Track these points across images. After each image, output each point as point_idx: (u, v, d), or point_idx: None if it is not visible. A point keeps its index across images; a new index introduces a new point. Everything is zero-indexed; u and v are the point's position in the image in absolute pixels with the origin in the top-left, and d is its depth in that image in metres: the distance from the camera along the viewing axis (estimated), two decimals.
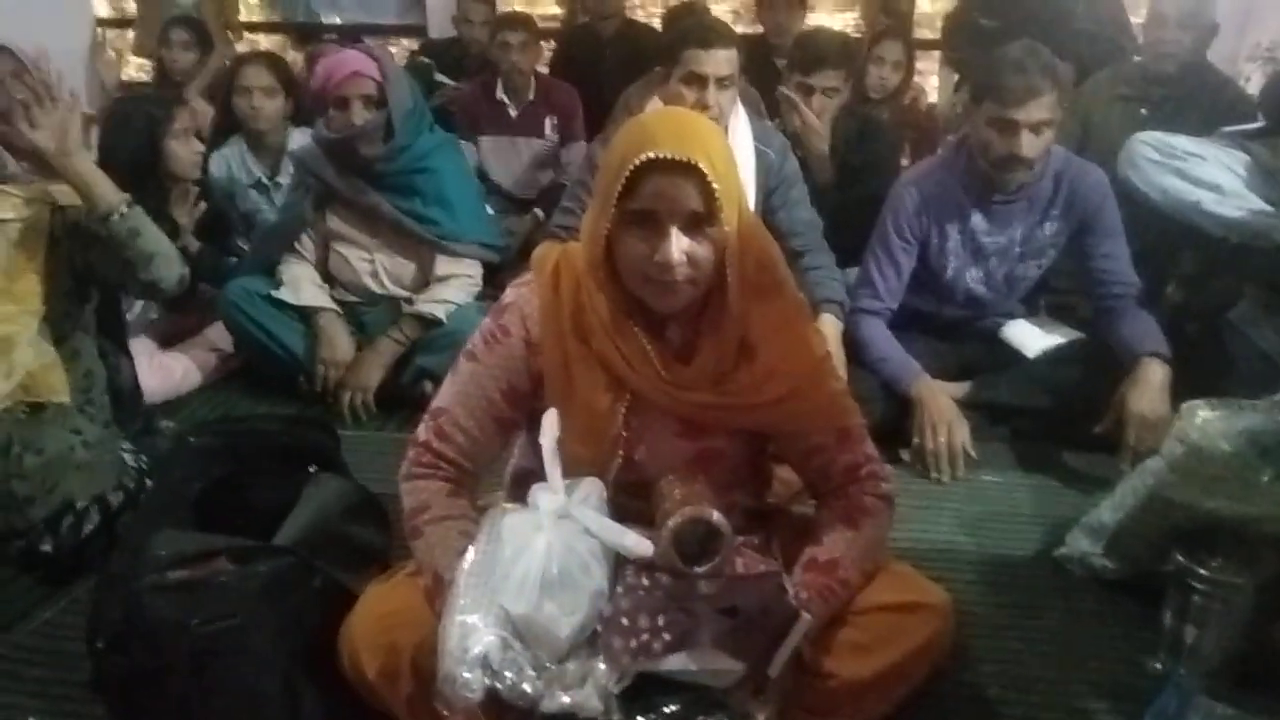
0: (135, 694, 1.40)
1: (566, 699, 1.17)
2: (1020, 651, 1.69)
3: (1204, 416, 1.60)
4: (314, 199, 2.70)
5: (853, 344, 2.40)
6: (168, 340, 2.80)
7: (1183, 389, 2.12)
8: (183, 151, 2.58)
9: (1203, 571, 1.55)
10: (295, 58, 4.68)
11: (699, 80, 2.40)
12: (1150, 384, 2.15)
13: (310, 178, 2.68)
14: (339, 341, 2.65)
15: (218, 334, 2.81)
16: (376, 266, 2.74)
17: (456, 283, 2.71)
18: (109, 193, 1.98)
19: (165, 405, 2.55)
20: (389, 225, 2.67)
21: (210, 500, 1.67)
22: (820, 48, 2.79)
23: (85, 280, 2.07)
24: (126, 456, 2.00)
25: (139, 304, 2.71)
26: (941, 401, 2.28)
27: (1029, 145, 2.20)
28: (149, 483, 1.94)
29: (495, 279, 2.78)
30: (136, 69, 5.13)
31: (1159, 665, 1.58)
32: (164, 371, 2.64)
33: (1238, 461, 1.52)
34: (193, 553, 1.41)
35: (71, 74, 2.30)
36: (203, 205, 2.80)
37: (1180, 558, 1.58)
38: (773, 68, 3.50)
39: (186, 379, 2.72)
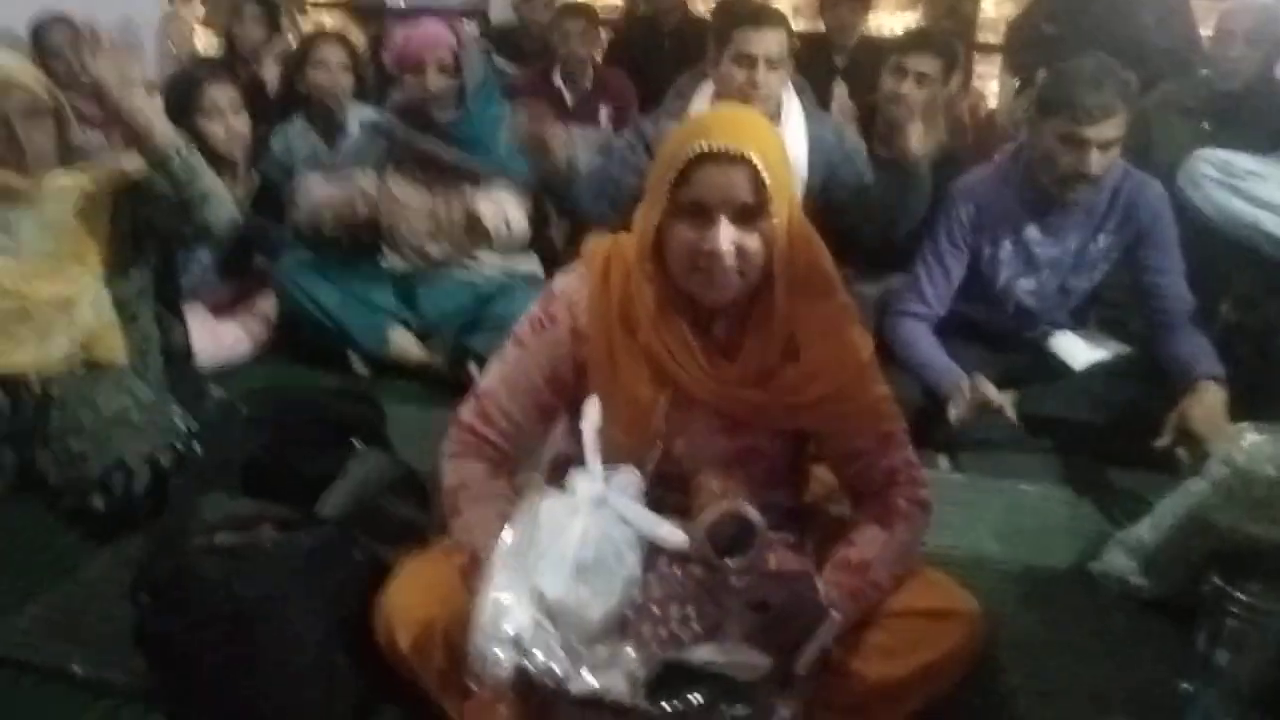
0: (175, 649, 1.44)
1: (594, 681, 1.19)
2: (1048, 664, 1.68)
3: (1251, 439, 1.59)
4: (375, 163, 2.77)
5: (894, 344, 2.38)
6: (220, 309, 2.86)
7: (1233, 410, 2.09)
8: (213, 128, 2.63)
9: (1240, 595, 1.53)
10: (358, 37, 4.74)
11: (749, 60, 2.41)
12: (1211, 406, 2.12)
13: (379, 140, 2.77)
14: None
15: (269, 305, 2.86)
16: (439, 232, 2.79)
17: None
18: (168, 133, 2.01)
19: (215, 372, 2.60)
20: (450, 180, 2.74)
21: (257, 467, 1.71)
22: (926, 32, 2.77)
23: (143, 238, 2.12)
24: (177, 420, 2.05)
25: (196, 270, 2.77)
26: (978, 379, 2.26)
27: (1097, 163, 2.17)
28: (198, 446, 1.99)
29: (546, 268, 2.82)
30: (204, 43, 5.22)
31: (1188, 687, 1.57)
32: (215, 339, 2.70)
33: None
34: (240, 518, 1.45)
35: (141, 45, 2.35)
36: (256, 179, 2.86)
37: (1217, 580, 1.57)
38: (832, 65, 3.49)
39: (237, 347, 2.78)
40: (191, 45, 4.64)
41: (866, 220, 2.58)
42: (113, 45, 1.96)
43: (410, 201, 2.77)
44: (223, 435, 1.85)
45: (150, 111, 2.00)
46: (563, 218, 3.07)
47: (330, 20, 5.42)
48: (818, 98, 3.02)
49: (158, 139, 1.98)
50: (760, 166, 1.26)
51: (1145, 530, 1.82)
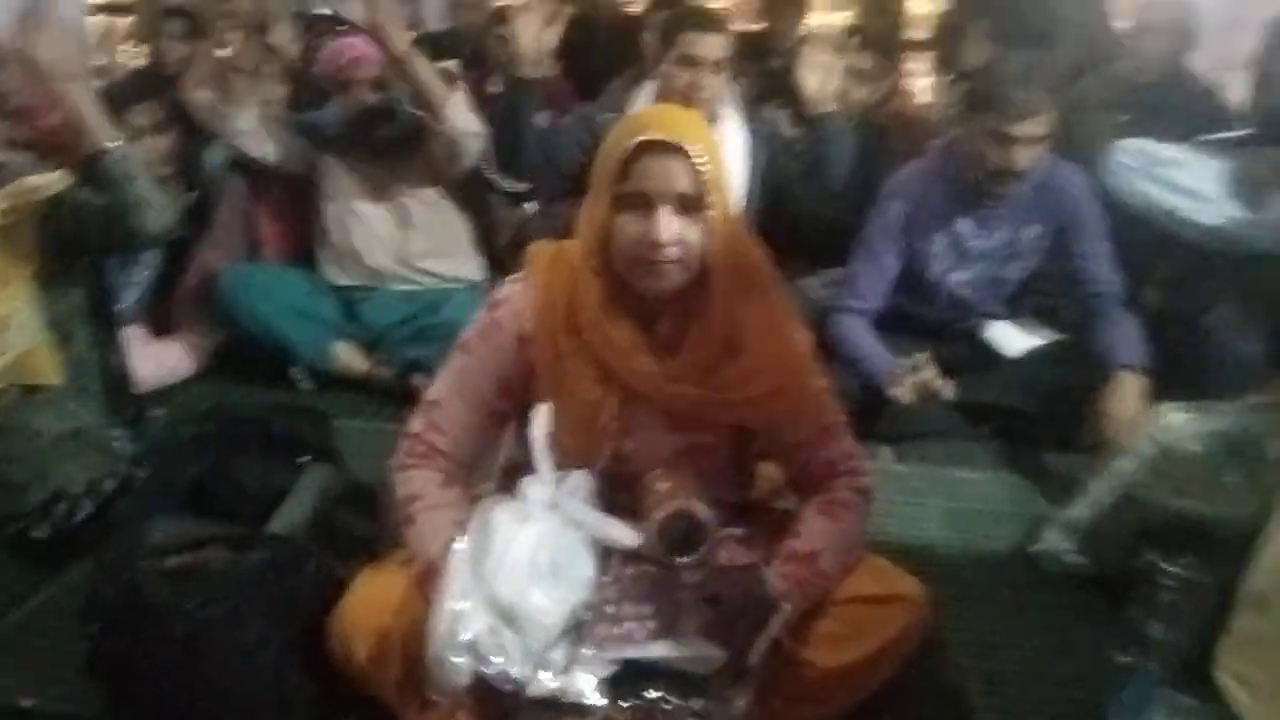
0: (130, 676, 1.44)
1: (553, 684, 1.21)
2: (993, 644, 1.73)
3: (1176, 418, 1.65)
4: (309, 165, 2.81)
5: (833, 340, 2.42)
6: (159, 328, 2.82)
7: (1160, 391, 2.17)
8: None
9: (1171, 569, 1.59)
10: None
11: (693, 62, 2.45)
12: (1127, 396, 2.21)
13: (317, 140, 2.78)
14: None
15: (209, 321, 2.83)
16: (372, 236, 2.81)
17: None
18: (106, 126, 1.97)
19: (156, 393, 2.57)
20: (393, 173, 2.76)
21: (203, 488, 1.70)
22: (866, 28, 2.80)
23: (73, 254, 2.08)
24: (118, 444, 2.03)
25: (131, 292, 2.73)
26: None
27: (1025, 159, 2.24)
28: (141, 470, 1.96)
29: (492, 276, 2.83)
30: (132, 57, 5.10)
31: (1127, 658, 1.63)
32: (155, 359, 2.66)
33: (1208, 462, 1.58)
34: (188, 539, 1.45)
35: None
36: (191, 195, 2.83)
37: (1150, 555, 1.63)
38: (770, 64, 3.54)
39: (178, 367, 2.74)
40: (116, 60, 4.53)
41: (805, 185, 2.61)
42: (53, 28, 1.92)
43: (348, 221, 2.78)
44: (167, 456, 1.83)
45: (88, 101, 1.96)
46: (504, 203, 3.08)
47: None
48: (756, 95, 3.07)
49: (96, 132, 1.95)
50: (699, 159, 1.30)
51: (1080, 510, 1.89)
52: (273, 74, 3.08)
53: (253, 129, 2.78)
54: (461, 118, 2.65)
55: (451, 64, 2.77)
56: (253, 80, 2.80)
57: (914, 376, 2.28)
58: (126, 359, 2.26)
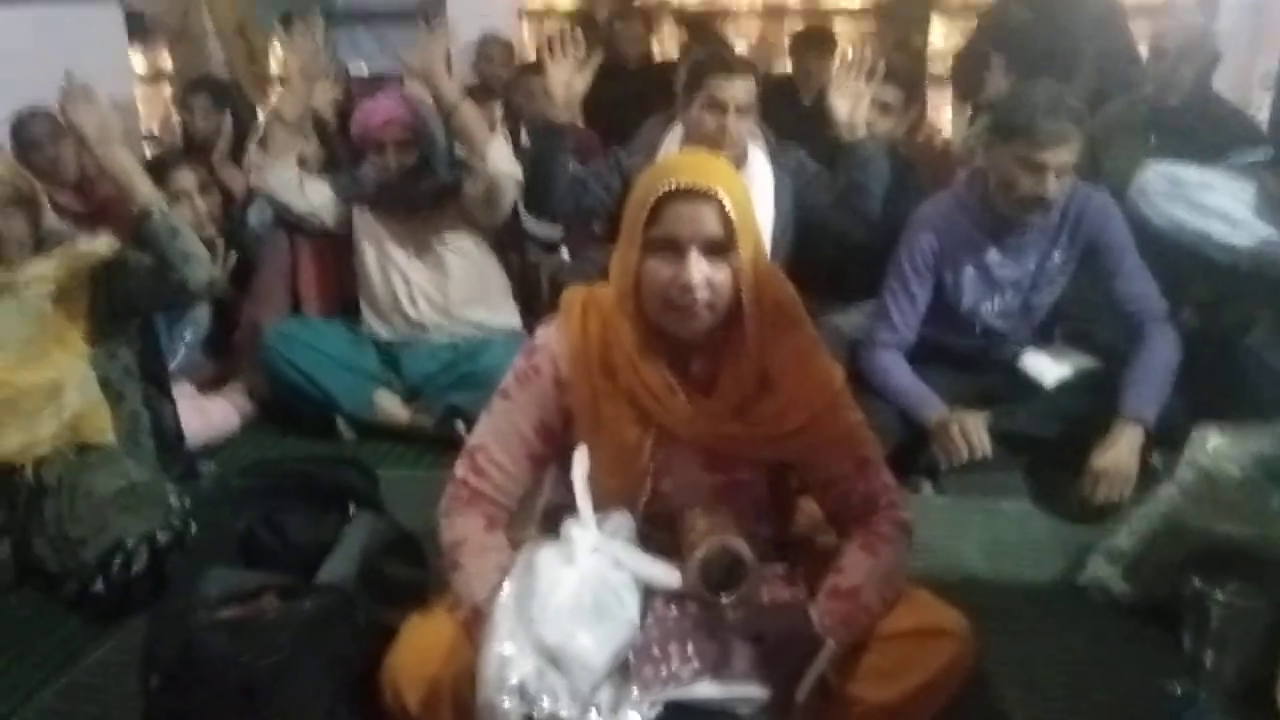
0: None
1: None
2: (1041, 676, 1.72)
3: (1215, 442, 1.64)
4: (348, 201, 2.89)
5: (870, 375, 2.43)
6: (206, 386, 2.89)
7: (1199, 413, 2.15)
8: (182, 212, 2.66)
9: (1219, 595, 1.59)
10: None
11: (720, 106, 2.50)
12: (1119, 445, 2.21)
13: (354, 187, 2.86)
14: None
15: (255, 379, 2.89)
16: (412, 289, 2.87)
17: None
18: (150, 188, 2.08)
19: (205, 448, 2.63)
20: (429, 230, 2.83)
21: (254, 539, 1.73)
22: (890, 63, 2.84)
23: (124, 314, 2.16)
24: (171, 498, 2.07)
25: (181, 350, 2.80)
26: (958, 414, 2.33)
27: (1054, 187, 2.25)
28: (193, 523, 2.01)
29: (528, 322, 2.87)
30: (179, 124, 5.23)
31: (1179, 688, 1.61)
32: (203, 415, 2.72)
33: (1249, 486, 1.57)
34: (242, 590, 1.48)
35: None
36: (233, 256, 2.90)
37: (1196, 582, 1.62)
38: (799, 108, 3.59)
39: (225, 422, 2.80)
40: (169, 127, 4.60)
41: (839, 213, 2.63)
42: (96, 100, 2.03)
43: (383, 275, 2.86)
44: (217, 510, 1.87)
45: (130, 166, 2.07)
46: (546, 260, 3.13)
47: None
48: (784, 135, 3.11)
49: (139, 194, 2.05)
50: (726, 203, 1.33)
51: (1124, 538, 1.87)
52: (311, 132, 3.16)
53: (293, 182, 2.86)
54: (503, 161, 2.73)
55: (493, 106, 2.85)
56: (294, 134, 2.88)
57: (958, 442, 2.29)
58: (177, 416, 2.32)
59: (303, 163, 2.92)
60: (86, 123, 2.03)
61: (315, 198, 2.88)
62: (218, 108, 3.69)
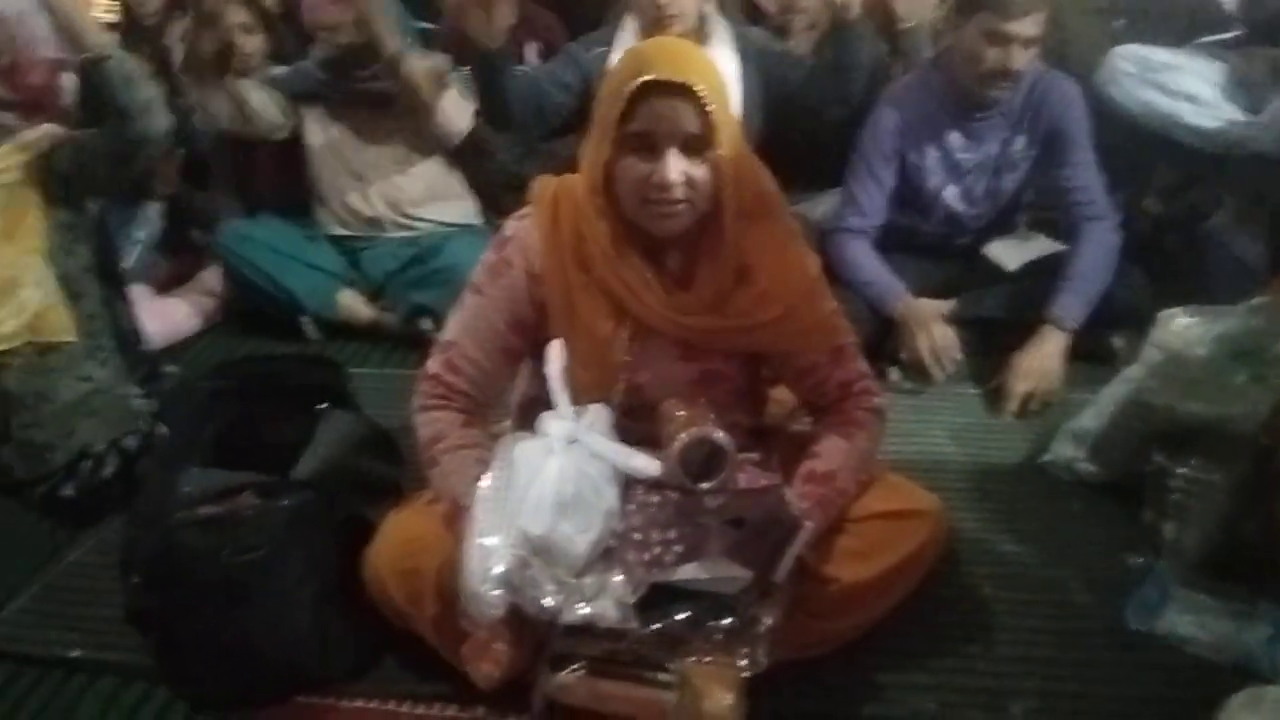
0: (170, 624, 1.47)
1: (586, 610, 1.25)
2: (1009, 553, 1.77)
3: (1181, 323, 1.67)
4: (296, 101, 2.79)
5: (837, 266, 2.42)
6: (164, 286, 2.83)
7: (1165, 298, 2.18)
8: None
9: (1181, 470, 1.63)
10: None
11: None
12: (1042, 348, 2.25)
13: (299, 83, 2.76)
14: None
15: (213, 278, 2.84)
16: (366, 185, 2.80)
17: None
18: (101, 35, 1.97)
19: (167, 350, 2.58)
20: (380, 120, 2.73)
21: (226, 441, 1.71)
22: None
23: (82, 194, 2.08)
24: (136, 402, 2.05)
25: (135, 251, 2.73)
26: (923, 311, 2.36)
27: (1020, 59, 2.23)
28: (161, 426, 1.98)
29: (497, 212, 2.82)
30: (104, 10, 4.98)
31: (1140, 560, 1.67)
32: (164, 317, 2.66)
33: (1214, 365, 1.59)
34: (219, 489, 1.47)
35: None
36: (180, 152, 2.81)
37: (1159, 458, 1.66)
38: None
39: (186, 323, 2.75)
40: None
41: (814, 90, 2.57)
42: None
43: (340, 177, 2.78)
44: (186, 411, 1.84)
45: (77, 9, 1.95)
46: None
47: None
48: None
49: (89, 39, 1.94)
50: (704, 97, 1.29)
51: (1089, 418, 1.91)
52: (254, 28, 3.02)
53: (230, 113, 2.76)
54: (454, 117, 2.70)
55: (441, 58, 2.72)
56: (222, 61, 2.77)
57: (931, 347, 2.32)
58: (136, 317, 2.27)
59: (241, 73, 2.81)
60: None
61: (265, 115, 2.77)
62: None
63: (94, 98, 2.00)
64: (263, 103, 2.76)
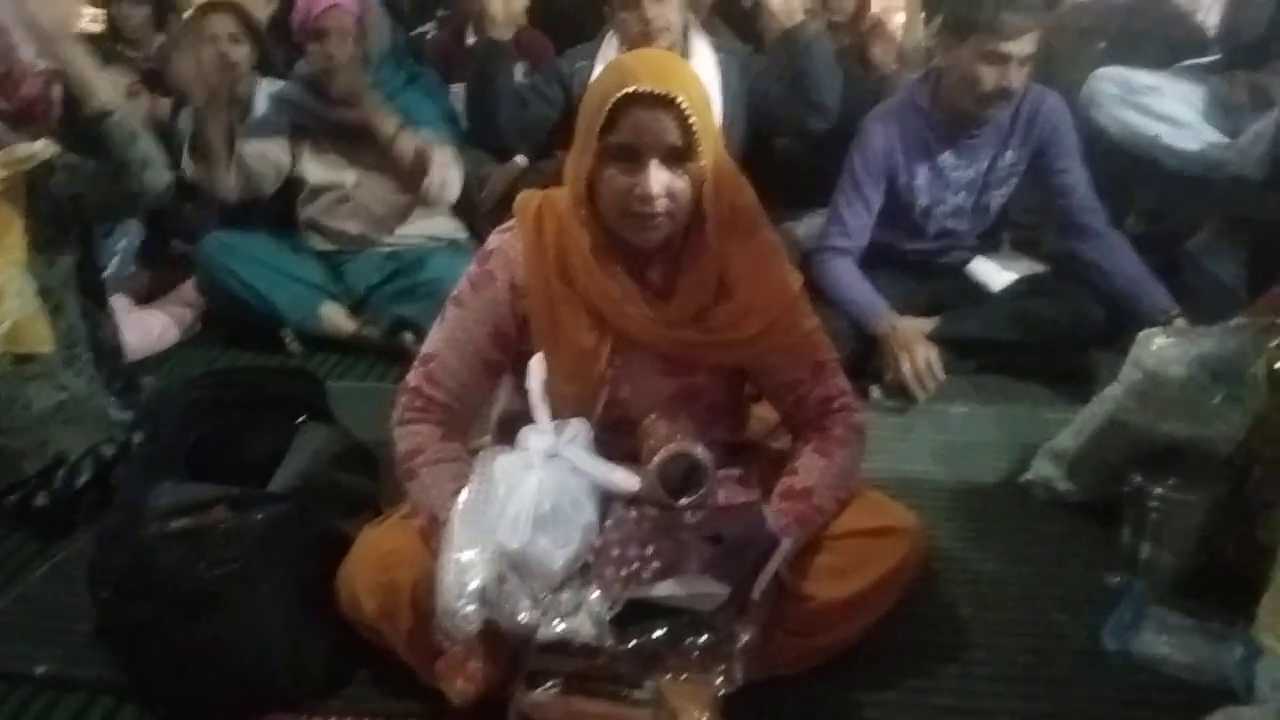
0: (141, 640, 1.45)
1: (562, 626, 1.24)
2: (987, 571, 1.77)
3: (1159, 343, 1.67)
4: (289, 138, 2.75)
5: (821, 284, 2.42)
6: (143, 298, 2.80)
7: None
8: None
9: (1158, 490, 1.63)
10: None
11: (635, 1, 2.42)
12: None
13: (289, 112, 2.73)
14: None
15: (192, 290, 2.82)
16: (355, 205, 2.78)
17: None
18: (108, 87, 1.97)
19: (145, 362, 2.56)
20: (365, 147, 2.71)
21: (202, 453, 1.70)
22: None
23: (70, 220, 2.06)
24: (113, 412, 2.03)
25: (115, 261, 2.71)
26: (906, 331, 2.36)
27: (1017, 77, 2.25)
28: (137, 437, 1.96)
29: (479, 228, 2.83)
30: (89, 20, 4.96)
31: (1118, 579, 1.67)
32: (142, 328, 2.65)
33: (1191, 385, 1.60)
34: (192, 502, 1.45)
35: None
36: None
37: (1137, 478, 1.67)
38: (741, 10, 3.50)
39: (164, 335, 2.73)
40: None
41: (791, 102, 2.57)
42: None
43: (326, 195, 2.76)
44: (163, 422, 1.83)
45: (86, 63, 1.94)
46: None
47: None
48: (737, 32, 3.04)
49: (96, 93, 1.93)
50: (687, 108, 1.29)
51: (1068, 438, 1.91)
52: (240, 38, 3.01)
53: (239, 185, 2.76)
54: (445, 188, 2.70)
55: (430, 136, 2.72)
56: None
57: (912, 364, 2.32)
58: (116, 329, 2.26)
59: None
60: (43, 14, 1.89)
61: (267, 175, 2.76)
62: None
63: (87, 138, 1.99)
64: (261, 161, 2.74)
